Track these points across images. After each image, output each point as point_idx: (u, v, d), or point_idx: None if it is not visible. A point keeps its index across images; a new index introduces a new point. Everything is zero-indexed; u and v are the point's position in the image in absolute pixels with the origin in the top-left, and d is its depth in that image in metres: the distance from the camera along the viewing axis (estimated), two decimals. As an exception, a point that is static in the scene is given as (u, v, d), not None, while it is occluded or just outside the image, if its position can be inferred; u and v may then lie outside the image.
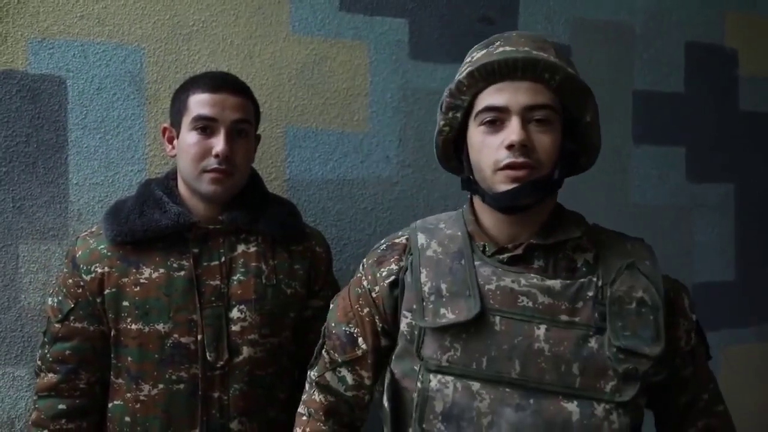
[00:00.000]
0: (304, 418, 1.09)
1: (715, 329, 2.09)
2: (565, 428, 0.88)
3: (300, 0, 1.63)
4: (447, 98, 0.99)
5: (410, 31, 1.73)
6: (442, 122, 1.01)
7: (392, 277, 1.02)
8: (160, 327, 1.22)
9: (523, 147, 0.91)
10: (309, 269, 1.37)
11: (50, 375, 1.26)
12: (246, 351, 1.26)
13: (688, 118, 2.06)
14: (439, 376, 0.93)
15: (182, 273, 1.24)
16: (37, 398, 1.27)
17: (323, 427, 1.08)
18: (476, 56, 0.98)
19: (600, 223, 1.08)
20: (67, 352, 1.25)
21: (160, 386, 1.23)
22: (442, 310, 0.94)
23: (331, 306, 1.11)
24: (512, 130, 0.91)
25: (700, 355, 1.03)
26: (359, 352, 1.05)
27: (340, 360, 1.06)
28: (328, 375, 1.07)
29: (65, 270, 1.28)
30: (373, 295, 1.04)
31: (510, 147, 0.91)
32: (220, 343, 1.24)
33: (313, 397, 1.09)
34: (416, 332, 0.97)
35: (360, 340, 1.05)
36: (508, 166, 0.92)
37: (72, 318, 1.25)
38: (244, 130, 1.28)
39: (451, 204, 1.72)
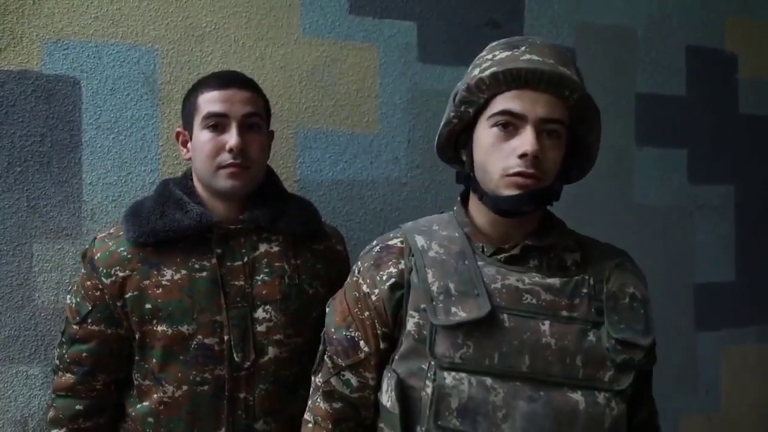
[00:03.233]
0: (310, 425, 1.10)
1: (715, 329, 2.12)
2: (573, 416, 0.93)
3: (310, 3, 1.65)
4: (463, 92, 1.00)
5: (419, 34, 1.75)
6: (452, 113, 1.03)
7: (393, 280, 1.03)
8: (184, 329, 1.22)
9: (535, 158, 0.94)
10: (329, 269, 1.37)
11: (68, 375, 1.26)
12: (271, 351, 1.26)
13: (689, 121, 2.09)
14: (453, 373, 0.95)
15: (204, 274, 1.24)
16: (55, 397, 1.28)
17: None
18: (500, 56, 0.98)
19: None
20: (84, 354, 1.25)
21: (184, 387, 1.22)
22: (453, 309, 0.97)
23: (327, 310, 1.12)
24: (527, 140, 0.94)
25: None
26: (362, 355, 1.05)
27: (343, 364, 1.07)
28: (333, 380, 1.08)
29: (83, 271, 1.28)
30: (373, 298, 1.05)
31: (523, 156, 0.94)
32: (246, 344, 1.24)
33: (317, 404, 1.10)
34: (426, 331, 0.98)
35: (362, 343, 1.05)
36: (518, 174, 0.95)
37: (90, 321, 1.25)
38: (256, 123, 1.27)
39: (458, 205, 1.74)
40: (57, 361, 1.29)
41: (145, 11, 1.51)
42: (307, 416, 1.11)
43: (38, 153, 1.44)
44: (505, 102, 0.96)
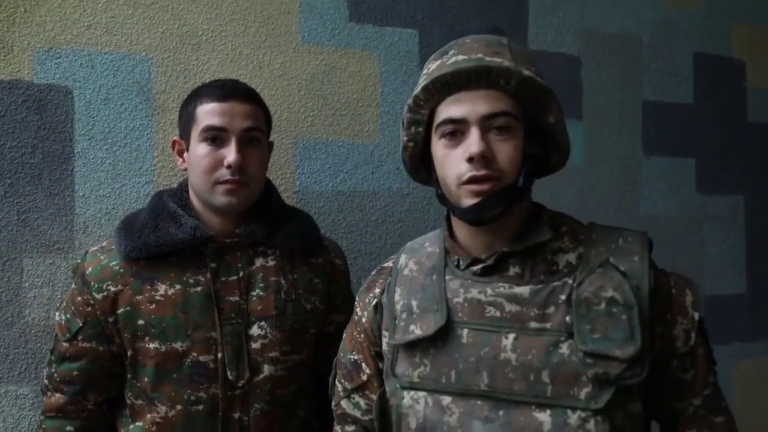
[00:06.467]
0: None
1: (727, 343, 2.07)
2: None
3: (309, 10, 1.62)
4: (407, 114, 0.98)
5: (420, 42, 1.72)
6: (405, 138, 1.00)
7: (375, 300, 1.05)
8: (177, 345, 1.18)
9: (483, 159, 0.90)
10: (329, 283, 1.33)
11: (57, 395, 1.22)
12: (267, 369, 1.21)
13: (697, 130, 2.05)
14: (412, 393, 0.94)
15: (199, 289, 1.20)
16: (44, 418, 1.23)
17: None
18: (431, 68, 0.96)
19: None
20: (75, 372, 1.21)
21: (178, 407, 1.18)
22: (411, 327, 0.96)
23: (344, 335, 1.13)
24: (471, 142, 0.90)
25: (700, 358, 0.95)
26: (364, 378, 1.06)
27: (350, 387, 1.07)
28: (344, 403, 1.07)
29: (74, 286, 1.24)
30: (363, 320, 1.06)
31: (470, 160, 0.90)
32: (240, 362, 1.19)
33: (336, 428, 1.10)
34: (390, 351, 0.99)
35: (363, 365, 1.06)
36: (471, 180, 0.91)
37: (80, 338, 1.21)
38: (256, 138, 1.23)
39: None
40: (46, 381, 1.24)
41: (139, 19, 1.48)
42: None
43: (29, 165, 1.40)
44: (444, 111, 0.93)
